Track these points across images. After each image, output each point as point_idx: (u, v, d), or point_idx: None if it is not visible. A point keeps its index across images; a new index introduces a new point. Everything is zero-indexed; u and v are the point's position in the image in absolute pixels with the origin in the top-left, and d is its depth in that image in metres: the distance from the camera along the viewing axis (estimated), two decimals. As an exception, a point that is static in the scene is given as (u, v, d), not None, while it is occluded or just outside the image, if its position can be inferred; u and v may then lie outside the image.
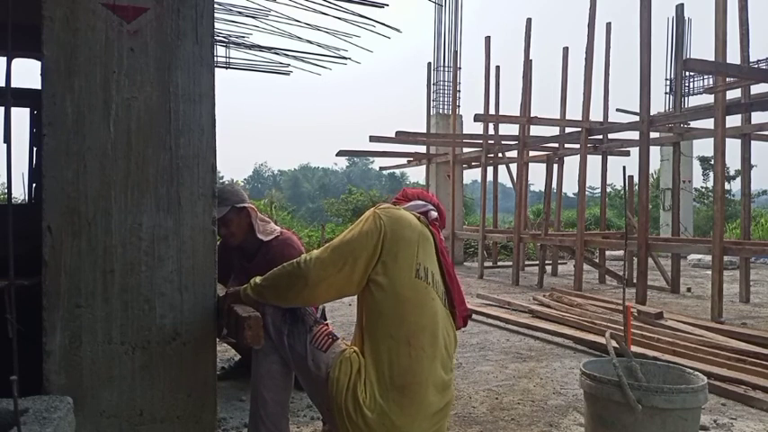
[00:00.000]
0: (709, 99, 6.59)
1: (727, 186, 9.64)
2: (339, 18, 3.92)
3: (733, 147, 7.13)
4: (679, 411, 2.01)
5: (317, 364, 1.82)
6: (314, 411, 2.82)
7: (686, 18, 7.06)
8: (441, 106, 12.23)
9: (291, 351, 1.86)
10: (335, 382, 1.76)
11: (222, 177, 26.88)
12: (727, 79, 5.90)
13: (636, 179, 6.91)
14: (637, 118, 6.90)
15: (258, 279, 1.94)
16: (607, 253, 9.32)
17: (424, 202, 2.10)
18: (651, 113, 6.57)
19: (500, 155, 10.38)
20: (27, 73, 2.59)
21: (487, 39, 10.12)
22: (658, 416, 2.01)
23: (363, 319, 1.85)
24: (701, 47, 6.35)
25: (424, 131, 11.57)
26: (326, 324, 1.97)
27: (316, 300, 1.91)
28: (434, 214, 2.07)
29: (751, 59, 6.46)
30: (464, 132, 11.20)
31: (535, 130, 9.15)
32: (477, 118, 8.70)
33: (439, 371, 1.82)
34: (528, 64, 8.74)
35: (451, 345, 1.92)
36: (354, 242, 1.82)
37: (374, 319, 1.80)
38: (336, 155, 12.11)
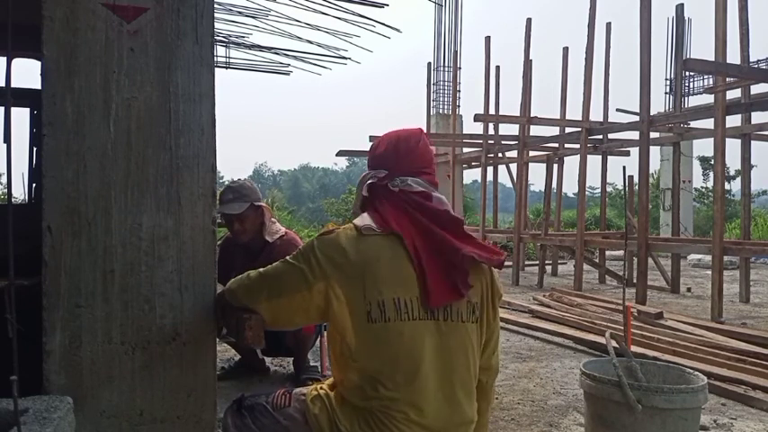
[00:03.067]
0: (709, 99, 6.60)
1: (727, 186, 9.63)
2: (339, 18, 3.92)
3: (733, 147, 7.15)
4: (679, 411, 2.01)
5: (289, 417, 1.66)
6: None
7: (686, 18, 7.07)
8: (441, 106, 12.24)
9: (264, 430, 1.69)
10: (315, 420, 1.61)
11: (222, 177, 26.89)
12: (727, 79, 5.90)
13: (636, 179, 6.91)
14: (637, 118, 6.90)
15: (233, 283, 1.75)
16: (607, 253, 9.32)
17: (418, 188, 1.63)
18: (651, 113, 6.57)
19: (500, 155, 10.37)
20: (27, 73, 2.59)
21: (487, 39, 10.13)
22: (658, 416, 2.01)
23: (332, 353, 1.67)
24: (701, 47, 6.36)
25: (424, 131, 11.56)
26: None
27: (275, 322, 1.69)
28: (437, 196, 1.65)
29: (751, 59, 6.47)
30: (464, 132, 11.21)
31: (535, 130, 9.16)
32: (477, 118, 8.70)
33: (430, 408, 1.53)
34: (528, 64, 8.74)
35: (454, 370, 1.56)
36: (277, 277, 1.63)
37: (340, 358, 1.61)
38: (336, 155, 12.11)
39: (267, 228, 3.20)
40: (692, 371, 2.30)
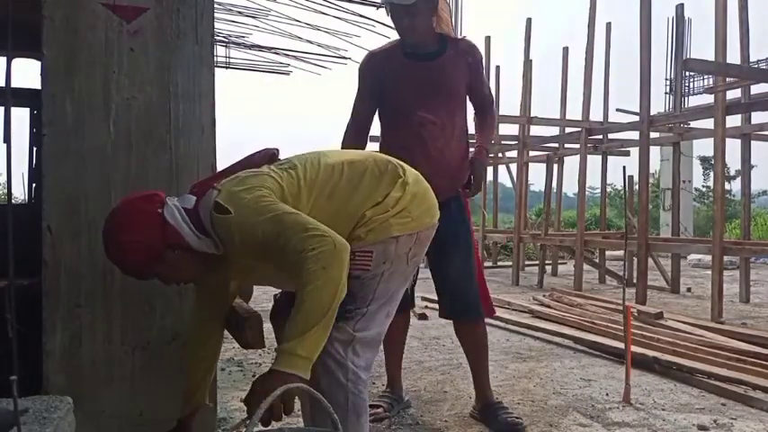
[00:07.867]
0: (709, 99, 6.59)
1: (727, 186, 9.64)
2: (339, 18, 3.93)
3: (733, 147, 7.13)
4: None
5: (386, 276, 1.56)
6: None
7: (686, 18, 7.06)
8: (441, 106, 12.21)
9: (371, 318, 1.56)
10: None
11: (222, 177, 26.72)
12: (727, 79, 5.89)
13: (636, 179, 6.91)
14: (637, 118, 6.89)
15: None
16: (607, 253, 9.30)
17: None
18: (651, 113, 6.56)
19: (500, 155, 10.36)
20: (27, 73, 2.60)
21: (487, 39, 10.11)
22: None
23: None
24: (701, 47, 6.35)
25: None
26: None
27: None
28: None
29: (751, 59, 6.46)
30: (464, 132, 11.18)
31: (535, 130, 9.13)
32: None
33: None
34: (528, 64, 8.74)
35: None
36: None
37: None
38: (336, 155, 12.07)
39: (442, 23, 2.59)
40: None
